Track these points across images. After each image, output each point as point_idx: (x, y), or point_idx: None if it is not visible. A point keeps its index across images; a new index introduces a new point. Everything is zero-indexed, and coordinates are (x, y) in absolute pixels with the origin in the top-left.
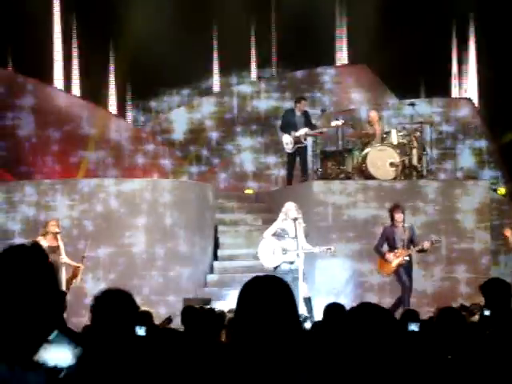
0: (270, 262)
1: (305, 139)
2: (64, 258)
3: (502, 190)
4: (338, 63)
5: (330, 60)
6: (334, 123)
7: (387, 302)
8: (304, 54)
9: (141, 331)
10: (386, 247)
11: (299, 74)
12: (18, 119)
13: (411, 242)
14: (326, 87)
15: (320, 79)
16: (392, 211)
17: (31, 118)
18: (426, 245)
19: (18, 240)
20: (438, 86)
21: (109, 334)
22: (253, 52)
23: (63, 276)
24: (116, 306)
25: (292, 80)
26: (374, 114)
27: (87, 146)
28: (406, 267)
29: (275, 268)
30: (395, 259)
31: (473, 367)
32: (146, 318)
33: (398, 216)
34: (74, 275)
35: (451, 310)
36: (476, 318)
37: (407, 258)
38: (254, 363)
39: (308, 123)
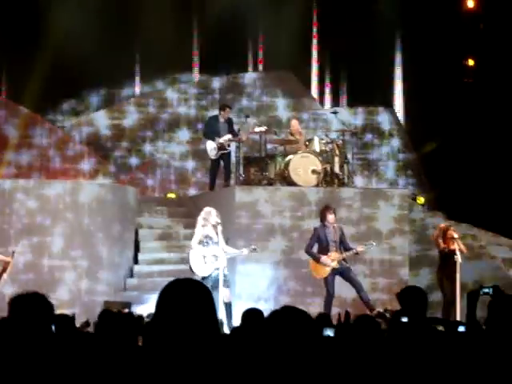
0: (204, 270)
1: (228, 145)
2: None
3: (420, 199)
4: (261, 69)
5: (253, 65)
6: (256, 129)
7: (306, 307)
8: (227, 58)
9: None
10: (316, 249)
11: (222, 79)
12: None
13: (341, 242)
14: (248, 93)
15: (243, 85)
16: (324, 211)
17: None
18: (360, 248)
19: None
20: (362, 94)
21: (23, 332)
22: (175, 56)
23: None
24: (32, 307)
25: (215, 85)
26: (294, 123)
27: (7, 147)
28: (341, 272)
29: (208, 276)
30: (331, 262)
31: (388, 372)
32: (68, 321)
33: (331, 217)
34: (4, 270)
35: (367, 317)
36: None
37: (344, 263)
38: (170, 366)
39: (231, 130)
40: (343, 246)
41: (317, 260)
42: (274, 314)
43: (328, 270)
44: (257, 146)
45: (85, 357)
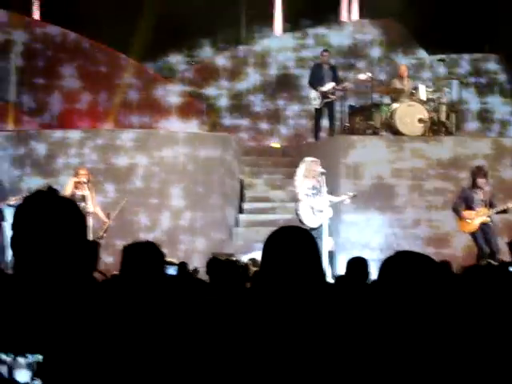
0: (313, 221)
1: (332, 93)
2: (90, 208)
3: None
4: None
5: (357, 13)
6: (361, 76)
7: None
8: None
9: (171, 271)
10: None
11: (322, 28)
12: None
13: (490, 205)
14: (354, 41)
15: (348, 33)
16: (475, 175)
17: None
18: (510, 205)
19: None
20: (469, 41)
21: (139, 279)
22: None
23: (90, 225)
24: (144, 254)
25: (317, 35)
26: (404, 68)
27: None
28: (486, 229)
29: (317, 227)
30: (477, 217)
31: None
32: (181, 267)
33: (481, 181)
34: (105, 231)
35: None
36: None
37: (488, 219)
38: (277, 312)
39: (335, 77)
40: (491, 204)
41: (460, 215)
42: (390, 259)
43: (475, 224)
44: (362, 95)
45: (196, 301)
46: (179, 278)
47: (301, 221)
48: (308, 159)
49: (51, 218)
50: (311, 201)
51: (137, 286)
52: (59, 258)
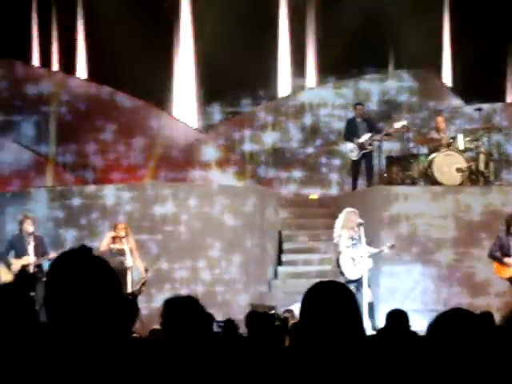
0: (354, 273)
1: (369, 144)
2: (129, 262)
3: None
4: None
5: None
6: (397, 125)
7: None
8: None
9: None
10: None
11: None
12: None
13: None
14: (391, 92)
15: (385, 83)
16: (509, 222)
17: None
18: None
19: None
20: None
21: (180, 337)
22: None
23: (129, 279)
24: (186, 311)
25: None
26: (440, 120)
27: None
28: None
29: (358, 279)
30: None
31: None
32: (230, 325)
33: None
34: (143, 284)
35: None
36: None
37: None
38: (317, 368)
39: (371, 128)
40: None
41: (499, 261)
42: (442, 316)
43: None
44: (400, 146)
45: (233, 357)
46: (224, 335)
47: (342, 272)
48: (347, 210)
49: (82, 277)
50: (352, 252)
51: (179, 344)
52: (91, 317)
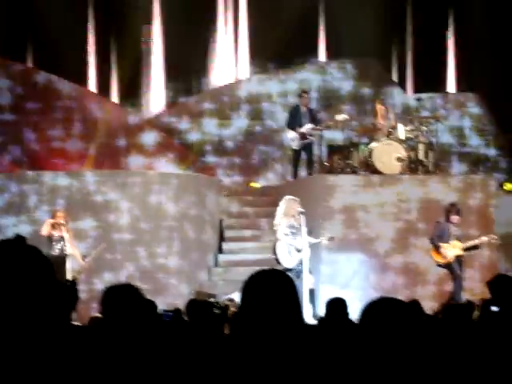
0: (289, 262)
1: (310, 135)
2: (68, 250)
3: (509, 186)
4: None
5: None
6: (338, 117)
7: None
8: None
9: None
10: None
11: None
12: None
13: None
14: (332, 81)
15: (324, 73)
16: (449, 211)
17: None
18: (483, 239)
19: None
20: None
21: (121, 324)
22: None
23: (69, 266)
24: (126, 299)
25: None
26: (379, 107)
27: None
28: (459, 261)
29: (292, 268)
30: (452, 249)
31: (476, 363)
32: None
33: (455, 218)
34: (77, 271)
35: (456, 307)
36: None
37: (462, 252)
38: (256, 355)
39: (313, 118)
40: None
41: (437, 248)
42: (372, 305)
43: (449, 257)
44: (342, 135)
45: (174, 343)
46: (174, 323)
47: (277, 260)
48: (288, 197)
49: (17, 266)
50: (289, 240)
51: (120, 331)
52: (27, 305)
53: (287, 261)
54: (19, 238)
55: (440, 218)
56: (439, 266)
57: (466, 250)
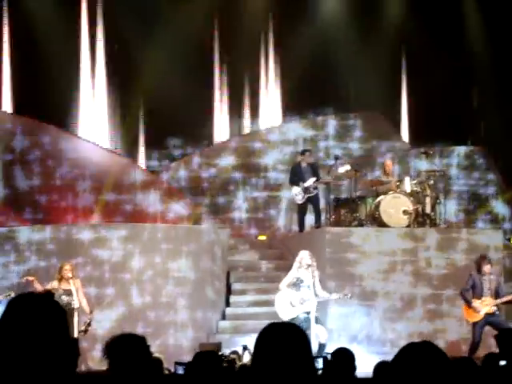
0: (288, 313)
1: (314, 188)
2: (75, 303)
3: None
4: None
5: (339, 106)
6: (341, 169)
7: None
8: (311, 99)
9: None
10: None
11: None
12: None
13: (497, 293)
14: (337, 135)
15: (329, 126)
16: (479, 263)
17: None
18: None
19: None
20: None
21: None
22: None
23: (75, 320)
24: (130, 351)
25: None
26: (388, 163)
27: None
28: (492, 318)
29: (292, 319)
30: (483, 307)
31: None
32: (156, 365)
33: (486, 267)
34: (85, 323)
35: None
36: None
37: (495, 308)
38: None
39: (315, 173)
40: (499, 296)
41: (468, 304)
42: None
43: (480, 315)
44: (347, 188)
45: None
46: (187, 376)
47: (276, 310)
48: (302, 252)
49: (33, 322)
50: (291, 292)
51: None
52: (41, 359)
53: (285, 312)
54: (48, 295)
55: (473, 271)
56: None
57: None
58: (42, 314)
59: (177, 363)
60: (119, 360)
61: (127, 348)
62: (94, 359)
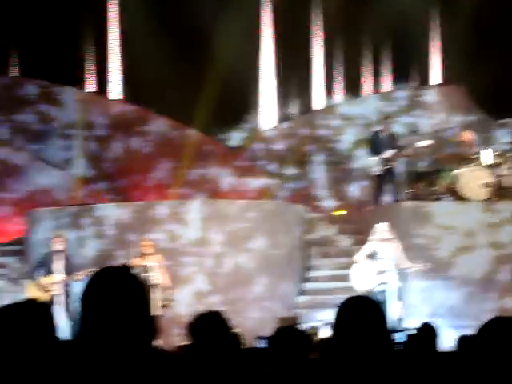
0: (364, 285)
1: (393, 160)
2: (155, 279)
3: None
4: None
5: (422, 78)
6: (421, 143)
7: None
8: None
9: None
10: None
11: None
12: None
13: None
14: (417, 107)
15: (412, 99)
16: None
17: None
18: None
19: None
20: None
21: (209, 354)
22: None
23: (156, 296)
24: (214, 328)
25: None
26: (468, 135)
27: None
28: None
29: (368, 291)
30: None
31: None
32: (237, 340)
33: None
34: (166, 299)
35: None
36: None
37: None
38: (347, 381)
39: (394, 145)
40: None
41: None
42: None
43: None
44: (424, 161)
45: (257, 371)
46: (270, 350)
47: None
48: (379, 225)
49: (117, 294)
50: (367, 264)
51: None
52: (122, 332)
53: (361, 283)
54: (126, 267)
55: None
56: None
57: None
58: (121, 287)
59: (258, 337)
60: (203, 338)
61: (210, 327)
62: (172, 335)
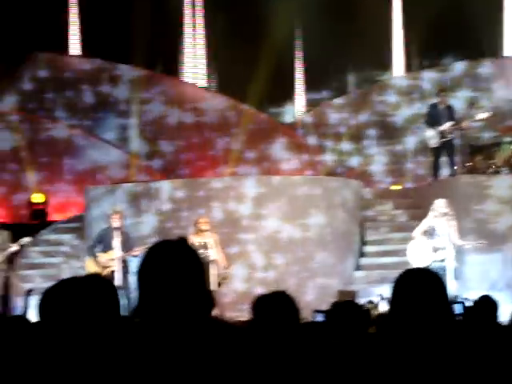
0: (420, 261)
1: (450, 133)
2: (211, 256)
3: None
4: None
5: (472, 53)
6: (480, 116)
7: None
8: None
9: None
10: None
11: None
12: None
13: None
14: (477, 81)
15: (472, 72)
16: None
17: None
18: None
19: None
20: None
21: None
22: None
23: (211, 273)
24: (279, 308)
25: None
26: None
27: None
28: None
29: (425, 267)
30: None
31: None
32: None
33: None
34: (221, 276)
35: None
36: None
37: None
38: (406, 354)
39: (452, 117)
40: None
41: None
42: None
43: None
44: (483, 133)
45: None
46: (327, 324)
47: (408, 259)
48: (437, 200)
49: (175, 267)
50: (425, 240)
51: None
52: (181, 304)
53: (416, 260)
54: (182, 239)
55: None
56: None
57: None
58: (178, 259)
59: (316, 311)
60: (266, 317)
61: (276, 307)
62: (228, 310)
